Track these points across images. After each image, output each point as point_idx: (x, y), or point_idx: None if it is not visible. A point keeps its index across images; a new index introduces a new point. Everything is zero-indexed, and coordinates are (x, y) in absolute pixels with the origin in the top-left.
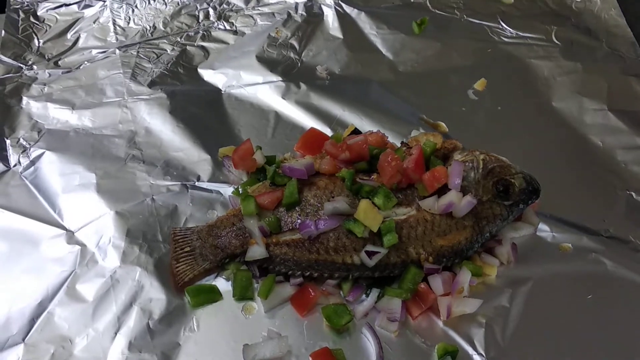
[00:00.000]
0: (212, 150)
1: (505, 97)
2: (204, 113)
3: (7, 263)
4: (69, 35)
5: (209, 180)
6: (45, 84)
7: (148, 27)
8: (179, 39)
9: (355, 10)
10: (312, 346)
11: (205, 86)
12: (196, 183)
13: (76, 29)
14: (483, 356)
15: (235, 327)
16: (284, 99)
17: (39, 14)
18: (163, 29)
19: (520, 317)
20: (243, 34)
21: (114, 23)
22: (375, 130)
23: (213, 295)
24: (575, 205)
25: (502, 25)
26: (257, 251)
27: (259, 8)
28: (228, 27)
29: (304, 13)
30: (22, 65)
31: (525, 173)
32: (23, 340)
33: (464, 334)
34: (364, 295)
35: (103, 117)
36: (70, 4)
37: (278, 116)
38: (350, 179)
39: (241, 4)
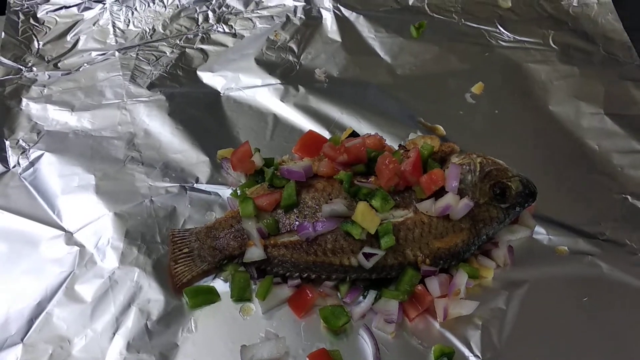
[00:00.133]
0: (210, 152)
1: (502, 100)
2: (202, 115)
3: (6, 263)
4: (68, 38)
5: (208, 182)
6: (44, 86)
7: (147, 30)
8: (178, 42)
9: (354, 13)
10: (309, 347)
11: (204, 88)
12: (195, 185)
13: (76, 31)
14: (479, 358)
15: (233, 328)
16: (282, 101)
17: (38, 16)
18: (162, 31)
19: (516, 319)
20: (242, 36)
21: (114, 25)
22: (373, 133)
23: (211, 296)
24: (571, 208)
25: (499, 30)
26: (255, 253)
27: (258, 11)
28: (227, 30)
29: (302, 16)
30: (21, 67)
31: (522, 176)
32: (22, 340)
33: (461, 335)
34: (361, 297)
35: (102, 118)
36: (70, 6)
37: (276, 119)
38: (348, 182)
39: (240, 7)
